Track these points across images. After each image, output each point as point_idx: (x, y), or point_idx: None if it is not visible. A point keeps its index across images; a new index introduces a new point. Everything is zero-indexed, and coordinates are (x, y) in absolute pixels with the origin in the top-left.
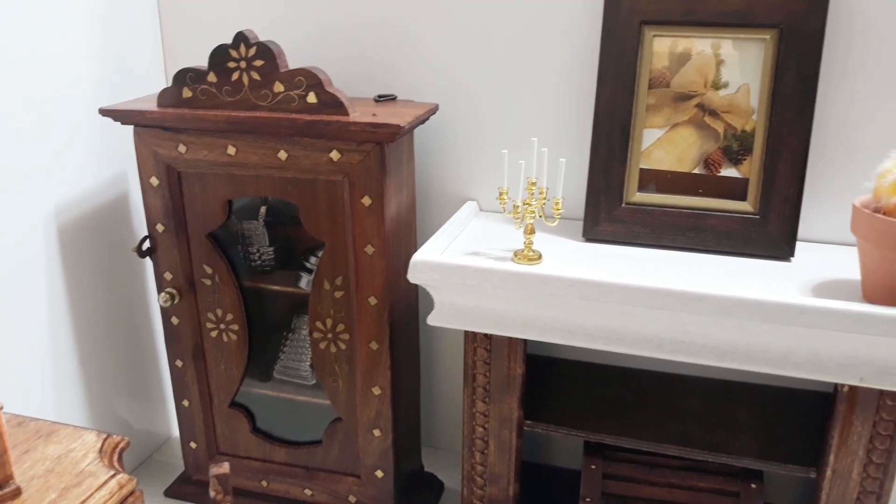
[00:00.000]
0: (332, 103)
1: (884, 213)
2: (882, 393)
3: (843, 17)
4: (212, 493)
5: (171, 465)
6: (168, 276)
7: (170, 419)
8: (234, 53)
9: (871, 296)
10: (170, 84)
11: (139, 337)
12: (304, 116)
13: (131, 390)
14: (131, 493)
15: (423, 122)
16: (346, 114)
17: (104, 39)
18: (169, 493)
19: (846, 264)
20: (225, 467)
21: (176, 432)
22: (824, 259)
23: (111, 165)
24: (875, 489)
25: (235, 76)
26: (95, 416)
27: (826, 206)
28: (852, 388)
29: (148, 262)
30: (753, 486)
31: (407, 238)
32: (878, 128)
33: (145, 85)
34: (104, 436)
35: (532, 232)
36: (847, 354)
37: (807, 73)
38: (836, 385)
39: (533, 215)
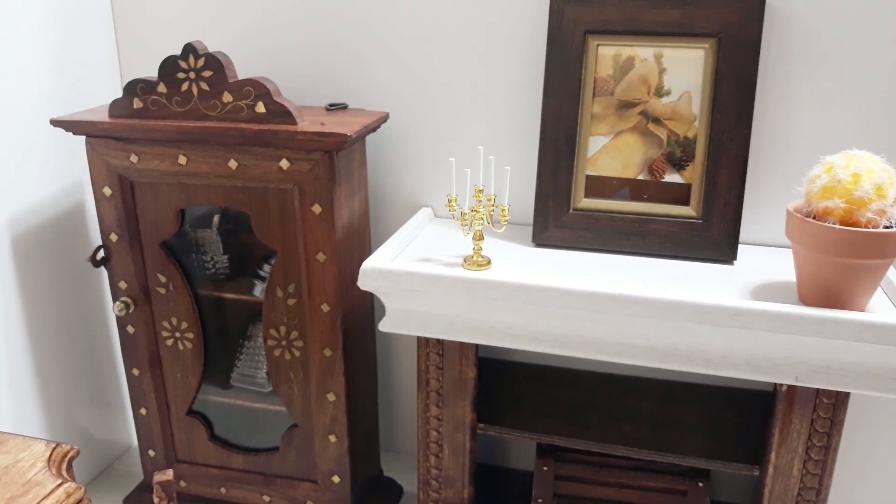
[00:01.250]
0: (281, 113)
1: (815, 218)
2: (818, 392)
3: (779, 27)
4: (155, 500)
5: (130, 474)
6: (123, 285)
7: (129, 428)
8: (183, 64)
9: (805, 297)
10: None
11: (96, 346)
12: (253, 126)
13: (90, 400)
14: (79, 501)
15: (373, 130)
16: (295, 123)
17: (59, 51)
18: (128, 501)
19: (787, 266)
20: (168, 474)
21: (135, 441)
22: (766, 261)
23: (66, 176)
24: (815, 485)
25: (185, 87)
26: (54, 426)
27: (767, 209)
28: (790, 387)
29: (102, 272)
30: (700, 484)
31: (360, 245)
32: (813, 133)
33: (102, 96)
34: (53, 445)
35: (481, 238)
36: (782, 355)
37: (744, 81)
38: (775, 385)
39: (481, 222)
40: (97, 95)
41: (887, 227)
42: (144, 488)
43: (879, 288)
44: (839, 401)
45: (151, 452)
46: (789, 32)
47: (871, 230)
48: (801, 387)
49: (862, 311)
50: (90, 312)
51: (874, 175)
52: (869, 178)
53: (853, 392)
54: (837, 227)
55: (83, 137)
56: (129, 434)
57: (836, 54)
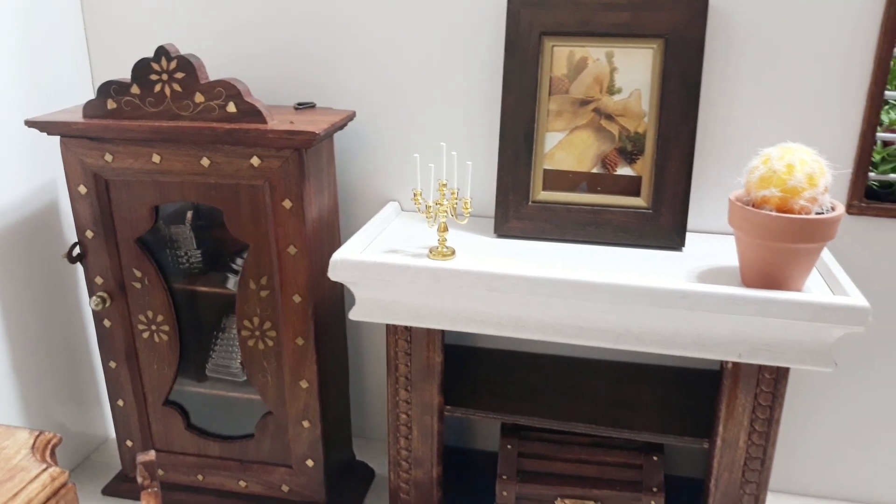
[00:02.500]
0: (251, 112)
1: (754, 206)
2: (760, 368)
3: (722, 28)
4: (139, 479)
5: (108, 466)
6: (99, 280)
7: (106, 421)
8: (156, 66)
9: (747, 280)
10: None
11: (71, 342)
12: (225, 125)
13: (66, 394)
14: (63, 485)
15: (340, 128)
16: (265, 122)
17: (30, 54)
18: (107, 491)
19: (730, 252)
20: (151, 455)
21: (112, 433)
22: (711, 248)
23: (39, 175)
24: (759, 455)
25: (158, 88)
26: (31, 420)
27: (712, 199)
28: (735, 364)
29: (78, 267)
30: (655, 458)
31: (330, 238)
32: (753, 128)
33: (73, 97)
34: (36, 433)
35: (445, 230)
36: (726, 334)
37: (690, 80)
38: (721, 363)
39: (445, 214)
40: (68, 97)
41: (819, 214)
42: (122, 478)
43: (815, 269)
44: (780, 376)
45: (129, 443)
46: (731, 34)
47: (804, 217)
48: (745, 363)
49: (799, 291)
50: (65, 309)
51: (806, 166)
52: (802, 169)
53: (792, 367)
54: (774, 214)
55: (56, 137)
56: (105, 427)
57: (774, 54)
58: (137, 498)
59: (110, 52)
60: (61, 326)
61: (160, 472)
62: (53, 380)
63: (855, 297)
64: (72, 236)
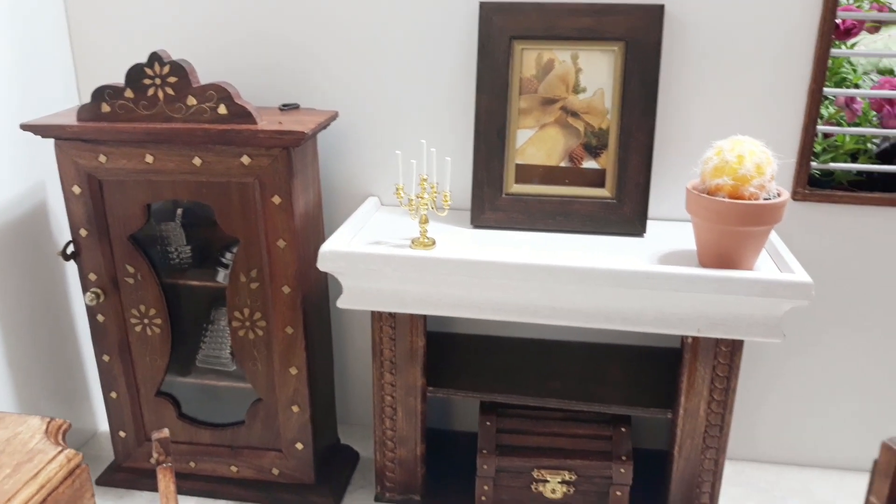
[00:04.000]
0: (242, 114)
1: (708, 193)
2: (717, 341)
3: (677, 32)
4: (154, 455)
5: (99, 458)
6: (92, 276)
7: (96, 414)
8: (149, 71)
9: (704, 261)
10: (86, 101)
11: (61, 339)
12: (217, 126)
13: (57, 389)
14: (78, 465)
15: (324, 127)
16: (255, 123)
17: (16, 60)
18: (101, 481)
19: (688, 237)
20: (165, 432)
21: (102, 427)
22: (671, 234)
23: (29, 177)
24: (718, 422)
25: (151, 92)
26: None
27: (670, 189)
28: (694, 339)
29: (68, 266)
30: (623, 429)
31: (315, 232)
32: (707, 122)
33: (60, 101)
34: (48, 419)
35: (426, 222)
36: (686, 311)
37: (649, 79)
38: (682, 338)
39: (426, 207)
40: (55, 100)
41: (766, 199)
42: (116, 468)
43: (764, 250)
44: (735, 348)
45: (122, 433)
46: (685, 37)
47: (754, 202)
48: (704, 338)
49: (750, 270)
50: (55, 306)
51: (755, 156)
52: (751, 159)
53: (746, 339)
54: (726, 200)
55: (45, 140)
56: (95, 420)
57: (724, 55)
58: (131, 487)
59: (96, 58)
60: (50, 325)
61: (152, 460)
62: (44, 376)
63: (799, 274)
64: (62, 236)
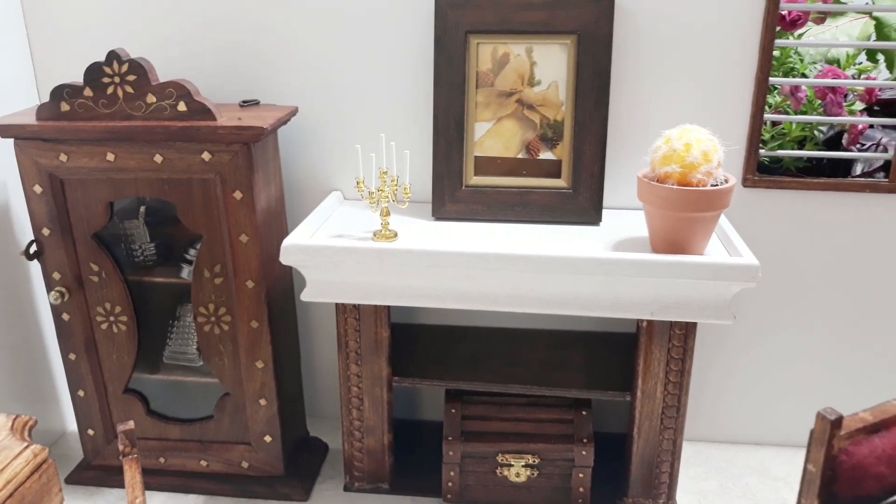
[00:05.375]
0: (201, 110)
1: (658, 181)
2: (672, 325)
3: (628, 25)
4: (120, 447)
5: (67, 457)
6: (57, 275)
7: (63, 415)
8: (107, 70)
9: (655, 247)
10: (45, 100)
11: (28, 338)
12: (177, 123)
13: (24, 391)
14: (45, 460)
15: (284, 123)
16: (215, 119)
17: None
18: (71, 479)
19: (642, 225)
20: (130, 424)
21: (69, 427)
22: (625, 221)
23: None
24: (674, 403)
25: (110, 90)
26: None
27: (624, 178)
28: (649, 323)
29: (32, 267)
30: (584, 413)
31: (278, 226)
32: (660, 112)
33: (18, 101)
34: (13, 416)
35: (387, 214)
36: (640, 295)
37: (601, 71)
38: (637, 324)
39: (387, 200)
40: (14, 100)
41: (714, 186)
42: (85, 466)
43: (714, 235)
44: (688, 331)
45: (91, 431)
46: (636, 30)
47: (701, 188)
48: (658, 321)
49: (700, 254)
50: (19, 306)
51: (702, 144)
52: (698, 147)
53: (699, 322)
54: (675, 187)
55: (4, 140)
56: (62, 421)
57: (674, 47)
58: (101, 485)
59: (54, 56)
60: (16, 323)
61: (119, 456)
62: (10, 376)
63: (747, 257)
64: (21, 236)
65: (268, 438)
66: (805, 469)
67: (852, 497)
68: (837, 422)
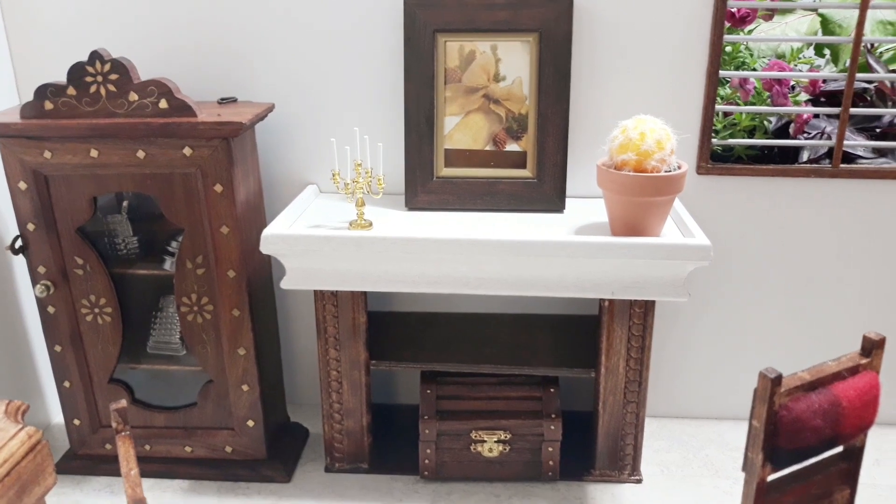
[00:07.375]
0: (182, 107)
1: (615, 168)
2: (632, 303)
3: (586, 22)
4: (114, 425)
5: (53, 448)
6: (42, 269)
7: (48, 407)
8: (90, 69)
9: (615, 230)
10: (26, 99)
11: (13, 331)
12: (158, 120)
13: (10, 383)
14: (39, 441)
15: (262, 118)
16: (195, 115)
17: None
18: (58, 469)
19: (602, 211)
20: (122, 402)
21: (55, 418)
22: (588, 208)
23: None
24: (636, 378)
25: (93, 89)
26: None
27: (585, 168)
28: (611, 302)
29: (16, 261)
30: (552, 390)
31: (257, 218)
32: (617, 105)
33: (0, 101)
34: (6, 401)
35: (363, 205)
36: (601, 276)
37: (562, 67)
38: (600, 303)
39: (361, 191)
40: None
41: (668, 172)
42: (72, 456)
43: (670, 218)
44: (647, 309)
45: (77, 421)
46: (594, 27)
47: (655, 175)
48: (619, 301)
49: (657, 236)
50: (4, 300)
51: (655, 133)
52: (652, 136)
53: (656, 300)
54: (631, 174)
55: None
56: (47, 413)
57: (629, 43)
58: (88, 473)
59: (34, 56)
60: (1, 316)
61: (107, 447)
62: None
63: (699, 238)
64: (9, 231)
65: (250, 423)
66: (750, 424)
67: (793, 448)
68: (777, 380)
